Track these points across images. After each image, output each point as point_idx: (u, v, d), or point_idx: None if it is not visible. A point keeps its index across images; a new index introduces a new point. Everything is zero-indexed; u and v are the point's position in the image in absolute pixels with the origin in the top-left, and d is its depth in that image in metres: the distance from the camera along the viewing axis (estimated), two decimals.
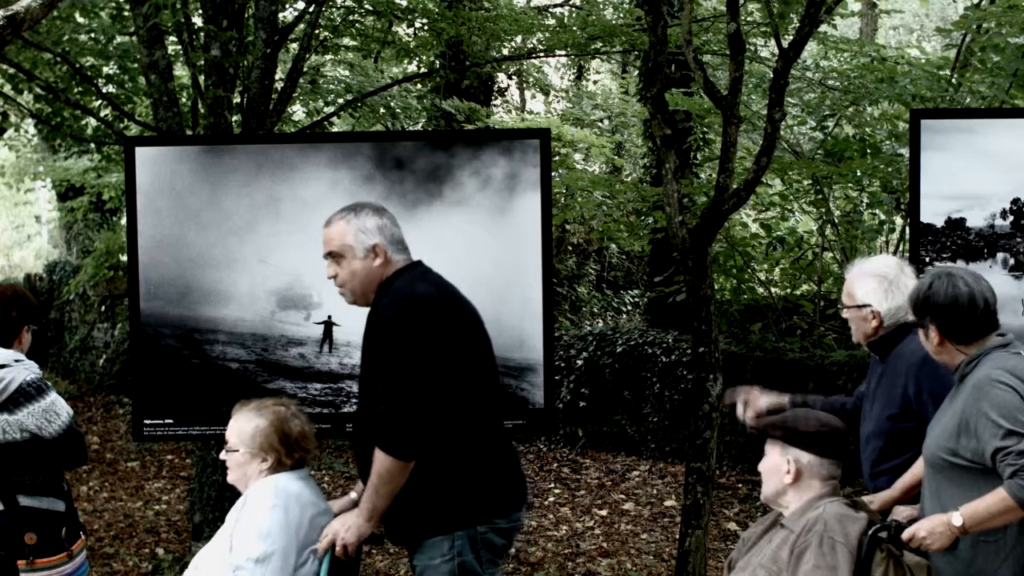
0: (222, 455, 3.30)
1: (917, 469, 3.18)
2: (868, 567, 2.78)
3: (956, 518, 2.77)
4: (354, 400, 4.32)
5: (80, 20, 6.94)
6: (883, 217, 8.23)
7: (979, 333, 2.92)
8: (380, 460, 2.98)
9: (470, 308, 3.23)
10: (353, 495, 3.35)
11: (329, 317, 4.30)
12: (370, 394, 3.10)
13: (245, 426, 3.24)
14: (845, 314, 3.49)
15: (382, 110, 10.56)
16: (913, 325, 3.13)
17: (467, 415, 3.08)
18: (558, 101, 16.33)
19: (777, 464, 2.97)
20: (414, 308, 3.03)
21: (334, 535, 3.08)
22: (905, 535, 2.82)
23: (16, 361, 3.64)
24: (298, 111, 9.89)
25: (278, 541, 3.03)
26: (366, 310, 3.16)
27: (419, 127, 11.56)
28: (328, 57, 10.29)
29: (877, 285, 3.40)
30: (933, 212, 4.36)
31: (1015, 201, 4.33)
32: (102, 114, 7.21)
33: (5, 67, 6.87)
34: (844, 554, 2.77)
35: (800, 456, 2.95)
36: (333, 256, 3.18)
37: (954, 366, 2.95)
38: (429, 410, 2.97)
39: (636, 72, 12.28)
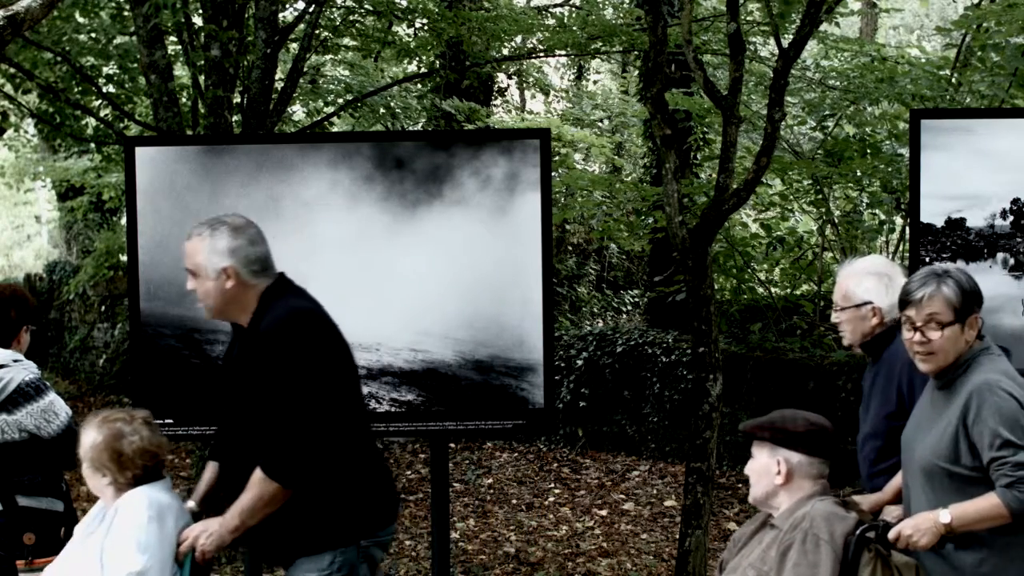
0: None
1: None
2: (856, 567, 2.77)
3: (944, 515, 2.76)
4: None
5: (80, 20, 6.94)
6: (883, 217, 8.23)
7: None
8: (263, 484, 2.93)
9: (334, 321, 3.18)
10: (191, 504, 3.26)
11: None
12: (244, 414, 3.03)
13: (85, 439, 3.14)
14: (839, 316, 3.46)
15: (382, 110, 10.56)
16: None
17: (346, 432, 3.03)
18: (558, 101, 16.34)
19: (767, 465, 2.96)
20: (297, 326, 2.98)
21: (194, 540, 3.02)
22: (891, 534, 2.81)
23: (15, 361, 3.64)
24: (298, 111, 9.90)
25: (156, 554, 2.96)
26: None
27: (419, 127, 11.57)
28: (328, 57, 10.30)
29: (877, 282, 3.40)
30: (933, 212, 4.36)
31: (1015, 201, 4.33)
32: (102, 114, 7.21)
33: (5, 67, 6.87)
34: (827, 552, 2.76)
35: (790, 456, 2.94)
36: (189, 271, 3.13)
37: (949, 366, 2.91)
38: (318, 436, 2.92)
39: (636, 72, 12.30)
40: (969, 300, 2.87)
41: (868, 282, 3.40)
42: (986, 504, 2.73)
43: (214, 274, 3.06)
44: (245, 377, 3.05)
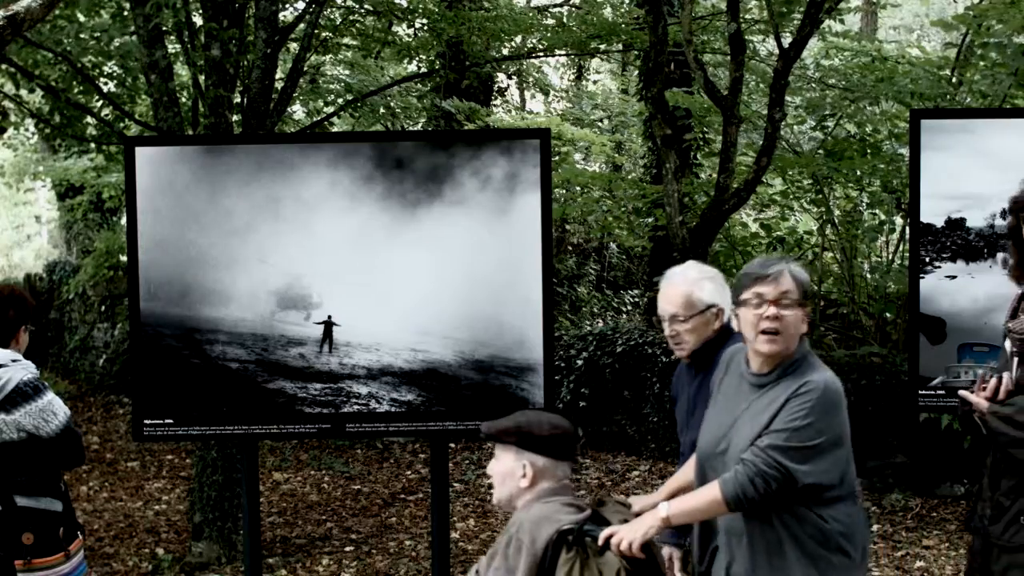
0: None
1: (685, 474, 3.14)
2: (553, 568, 2.78)
3: (663, 509, 2.77)
4: (354, 400, 4.32)
5: (81, 19, 6.94)
6: (883, 217, 8.24)
7: None
8: None
9: None
10: None
11: (329, 317, 4.30)
12: None
13: None
14: (682, 326, 3.31)
15: (382, 110, 10.57)
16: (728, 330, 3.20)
17: None
18: (558, 101, 16.35)
19: (512, 469, 2.97)
20: None
21: None
22: (603, 535, 2.78)
23: (13, 361, 3.64)
24: (298, 111, 9.91)
25: None
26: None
27: (419, 127, 11.57)
28: (328, 57, 10.30)
29: (715, 284, 3.35)
30: (933, 212, 4.36)
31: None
32: (103, 114, 7.21)
33: (6, 67, 6.87)
34: (526, 557, 2.79)
35: (535, 460, 2.96)
36: None
37: (784, 356, 2.78)
38: None
39: (636, 72, 12.30)
40: (808, 290, 2.82)
41: (708, 285, 3.34)
42: (705, 493, 2.75)
43: None
44: None
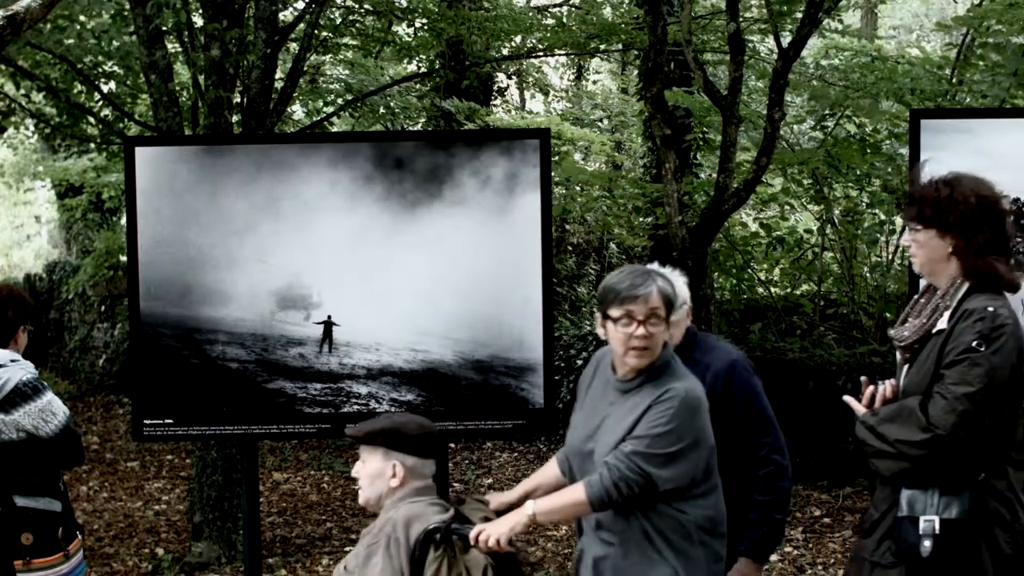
0: None
1: (541, 473, 3.16)
2: (421, 566, 2.83)
3: (529, 507, 2.83)
4: (354, 400, 4.32)
5: (81, 19, 6.94)
6: (883, 217, 8.23)
7: None
8: None
9: None
10: None
11: (329, 317, 4.30)
12: None
13: None
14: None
15: (382, 110, 10.57)
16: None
17: None
18: (558, 101, 16.34)
19: (381, 469, 3.02)
20: None
21: None
22: (472, 533, 2.84)
23: (12, 361, 3.64)
24: (298, 111, 9.91)
25: None
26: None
27: (419, 127, 11.57)
28: (328, 57, 10.31)
29: (683, 282, 3.41)
30: None
31: (1015, 201, 4.32)
32: (103, 114, 7.21)
33: (5, 67, 6.87)
34: (406, 555, 2.85)
35: (405, 459, 3.02)
36: None
37: (651, 362, 2.83)
38: None
39: (636, 72, 12.30)
40: (673, 300, 2.89)
41: (679, 281, 3.35)
42: (569, 494, 2.80)
43: None
44: None
